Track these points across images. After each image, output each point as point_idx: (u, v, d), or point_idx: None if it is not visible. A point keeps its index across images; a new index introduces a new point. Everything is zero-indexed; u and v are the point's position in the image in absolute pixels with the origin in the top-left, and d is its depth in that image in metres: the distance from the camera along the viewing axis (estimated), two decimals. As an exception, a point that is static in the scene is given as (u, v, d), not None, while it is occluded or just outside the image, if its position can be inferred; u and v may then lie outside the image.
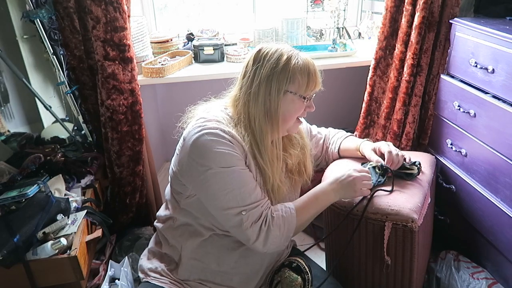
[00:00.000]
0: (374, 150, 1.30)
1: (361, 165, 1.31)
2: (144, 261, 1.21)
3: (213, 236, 1.11)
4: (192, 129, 1.02)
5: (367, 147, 1.33)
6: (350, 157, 1.39)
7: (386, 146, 1.27)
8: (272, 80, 1.04)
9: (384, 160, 1.25)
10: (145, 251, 1.26)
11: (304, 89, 1.07)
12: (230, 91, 1.16)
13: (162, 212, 1.22)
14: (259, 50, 1.08)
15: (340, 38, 2.10)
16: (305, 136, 1.28)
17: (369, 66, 1.80)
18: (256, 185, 1.04)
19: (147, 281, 1.14)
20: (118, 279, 1.39)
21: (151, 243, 1.25)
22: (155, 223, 1.24)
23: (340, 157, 1.41)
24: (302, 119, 1.19)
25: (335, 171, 1.34)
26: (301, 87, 1.06)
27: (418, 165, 1.32)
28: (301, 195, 1.17)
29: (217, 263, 1.12)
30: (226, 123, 1.06)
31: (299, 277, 1.11)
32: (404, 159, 1.29)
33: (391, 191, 1.23)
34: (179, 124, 1.14)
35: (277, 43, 1.09)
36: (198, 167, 1.00)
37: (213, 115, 1.06)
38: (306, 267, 1.13)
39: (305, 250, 1.37)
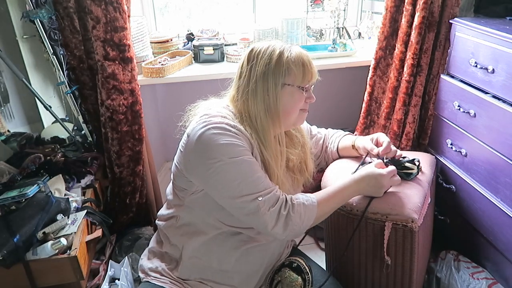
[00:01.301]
0: (372, 140, 1.30)
1: (361, 164, 1.31)
2: (145, 261, 1.21)
3: (217, 235, 1.10)
4: (197, 125, 1.02)
5: (364, 138, 1.33)
6: (349, 157, 1.40)
7: (384, 136, 1.29)
8: (268, 75, 1.04)
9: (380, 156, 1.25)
10: (146, 251, 1.25)
11: (301, 80, 1.07)
12: (227, 92, 1.16)
13: (164, 211, 1.22)
14: (252, 50, 1.09)
15: (340, 38, 2.10)
16: (305, 134, 1.28)
17: (369, 66, 1.80)
18: (265, 175, 1.04)
19: (148, 281, 1.14)
20: (118, 279, 1.40)
21: (152, 243, 1.25)
22: (156, 222, 1.23)
23: (340, 156, 1.41)
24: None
25: (335, 171, 1.34)
26: (298, 78, 1.07)
27: (418, 163, 1.32)
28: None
29: (218, 262, 1.12)
30: (231, 118, 1.06)
31: (299, 277, 1.11)
32: (404, 157, 1.30)
33: None
34: (180, 123, 1.14)
35: (269, 41, 1.10)
36: (206, 161, 0.99)
37: (217, 111, 1.06)
38: (306, 267, 1.12)
39: (298, 244, 1.37)
